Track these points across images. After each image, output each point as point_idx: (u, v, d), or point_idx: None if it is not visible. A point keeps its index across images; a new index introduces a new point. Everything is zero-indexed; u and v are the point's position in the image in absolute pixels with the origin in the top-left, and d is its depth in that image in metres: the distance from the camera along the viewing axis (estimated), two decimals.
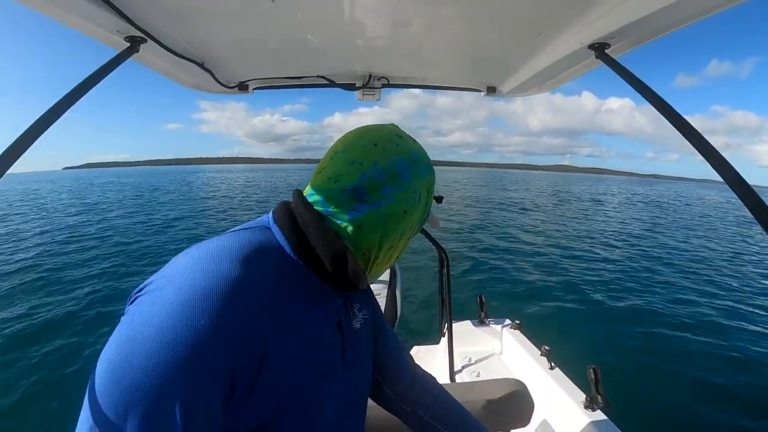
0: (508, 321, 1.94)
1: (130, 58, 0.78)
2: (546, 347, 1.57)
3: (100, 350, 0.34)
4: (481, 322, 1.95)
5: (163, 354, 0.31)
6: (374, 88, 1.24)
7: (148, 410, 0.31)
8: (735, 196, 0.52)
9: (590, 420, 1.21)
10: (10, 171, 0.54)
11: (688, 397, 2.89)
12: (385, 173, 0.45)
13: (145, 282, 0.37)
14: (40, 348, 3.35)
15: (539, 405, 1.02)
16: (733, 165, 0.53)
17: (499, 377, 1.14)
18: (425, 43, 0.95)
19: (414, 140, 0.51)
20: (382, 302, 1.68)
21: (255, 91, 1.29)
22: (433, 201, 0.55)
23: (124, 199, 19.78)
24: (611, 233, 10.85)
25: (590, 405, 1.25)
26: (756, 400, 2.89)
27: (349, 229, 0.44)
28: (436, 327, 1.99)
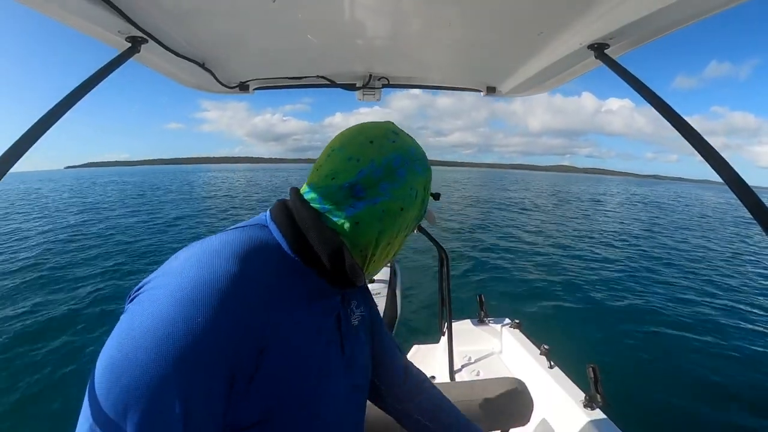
0: (507, 320, 1.94)
1: (131, 59, 0.78)
2: (545, 346, 1.57)
3: (101, 349, 0.34)
4: (480, 322, 1.95)
5: (161, 351, 0.31)
6: (374, 88, 1.24)
7: (147, 408, 0.31)
8: (734, 196, 0.53)
9: (589, 419, 1.21)
10: (12, 170, 0.54)
11: (686, 396, 2.90)
12: (382, 170, 0.45)
13: (144, 280, 0.37)
14: (42, 347, 3.36)
15: (538, 404, 1.02)
16: (732, 166, 0.54)
17: (499, 376, 1.15)
18: (425, 44, 0.95)
19: (410, 137, 0.51)
20: (382, 301, 1.68)
21: (255, 91, 1.29)
22: (431, 198, 0.55)
23: (126, 198, 19.81)
24: (610, 233, 10.87)
25: (589, 404, 1.26)
26: (754, 399, 2.91)
27: (346, 225, 0.45)
28: (436, 326, 1.99)
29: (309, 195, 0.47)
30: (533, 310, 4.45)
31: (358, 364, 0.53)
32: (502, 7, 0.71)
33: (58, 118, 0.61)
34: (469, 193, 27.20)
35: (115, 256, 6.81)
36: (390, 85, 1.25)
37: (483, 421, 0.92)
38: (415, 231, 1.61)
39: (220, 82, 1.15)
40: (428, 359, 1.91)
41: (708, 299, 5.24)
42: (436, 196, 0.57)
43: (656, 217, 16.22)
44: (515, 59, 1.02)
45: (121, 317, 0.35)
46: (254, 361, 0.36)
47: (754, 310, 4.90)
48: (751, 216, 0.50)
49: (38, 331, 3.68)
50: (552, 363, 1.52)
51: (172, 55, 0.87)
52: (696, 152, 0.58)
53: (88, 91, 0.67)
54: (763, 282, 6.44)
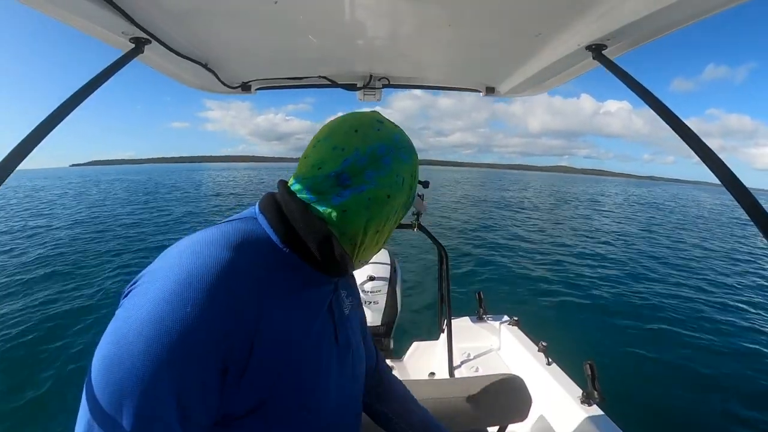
0: (506, 317, 1.96)
1: (135, 59, 0.79)
2: (543, 343, 1.59)
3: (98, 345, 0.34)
4: (479, 319, 1.97)
5: (154, 344, 0.32)
6: (375, 88, 1.25)
7: (141, 402, 0.31)
8: (729, 198, 0.54)
9: (586, 414, 1.22)
10: (19, 167, 0.55)
11: (682, 392, 2.93)
12: (366, 158, 0.46)
13: (138, 276, 0.38)
14: (47, 345, 3.34)
15: (536, 400, 1.04)
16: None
17: (498, 372, 1.16)
18: (425, 44, 0.96)
19: (395, 125, 0.51)
20: (383, 299, 1.70)
21: (258, 91, 1.30)
22: (419, 185, 0.55)
23: (132, 195, 19.74)
24: (609, 232, 10.91)
25: (586, 400, 1.27)
26: (748, 393, 2.94)
27: (334, 214, 0.45)
28: (435, 323, 2.01)
29: (296, 186, 0.48)
30: (531, 308, 4.47)
31: (352, 353, 0.54)
32: (501, 8, 0.72)
33: (64, 117, 0.62)
34: (469, 192, 27.20)
35: (124, 253, 6.79)
36: (390, 85, 1.25)
37: (481, 416, 0.94)
38: (415, 230, 1.63)
39: (223, 83, 1.15)
40: (428, 356, 1.92)
41: (703, 297, 5.28)
42: (425, 184, 0.58)
43: (653, 218, 16.27)
44: (514, 60, 1.03)
45: (116, 313, 0.36)
46: (247, 353, 0.36)
47: (748, 308, 4.95)
48: (747, 217, 0.51)
49: (45, 329, 3.66)
50: (550, 359, 1.53)
51: (175, 55, 0.88)
52: (693, 153, 0.59)
53: (93, 90, 0.68)
54: (756, 280, 6.50)
